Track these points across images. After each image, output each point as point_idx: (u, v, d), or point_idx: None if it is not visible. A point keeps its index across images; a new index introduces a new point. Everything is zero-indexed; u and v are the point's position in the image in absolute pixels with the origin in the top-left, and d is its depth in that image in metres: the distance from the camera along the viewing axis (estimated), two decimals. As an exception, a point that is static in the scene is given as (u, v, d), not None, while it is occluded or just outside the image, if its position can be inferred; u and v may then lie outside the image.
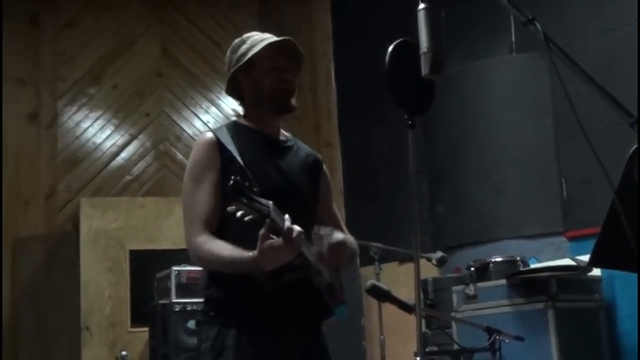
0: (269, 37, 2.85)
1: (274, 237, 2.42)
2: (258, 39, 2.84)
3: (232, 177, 2.31)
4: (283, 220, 2.41)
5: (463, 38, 6.24)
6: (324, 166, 3.05)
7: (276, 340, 2.69)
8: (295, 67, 2.90)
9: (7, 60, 7.45)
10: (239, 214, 2.32)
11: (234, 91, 2.93)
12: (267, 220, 2.36)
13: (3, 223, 7.17)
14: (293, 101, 2.84)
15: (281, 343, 2.70)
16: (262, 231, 2.40)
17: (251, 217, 2.33)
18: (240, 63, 2.82)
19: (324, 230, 2.74)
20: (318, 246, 2.69)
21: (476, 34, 6.21)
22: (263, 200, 2.35)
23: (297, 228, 2.43)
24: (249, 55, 2.80)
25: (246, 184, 2.32)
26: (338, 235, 2.73)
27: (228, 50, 2.91)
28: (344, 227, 3.05)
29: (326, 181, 3.03)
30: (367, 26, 7.21)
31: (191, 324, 5.37)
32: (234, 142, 2.75)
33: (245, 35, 2.90)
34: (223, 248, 2.59)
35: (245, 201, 2.30)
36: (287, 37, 2.83)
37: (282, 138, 2.94)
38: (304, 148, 3.00)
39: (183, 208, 2.76)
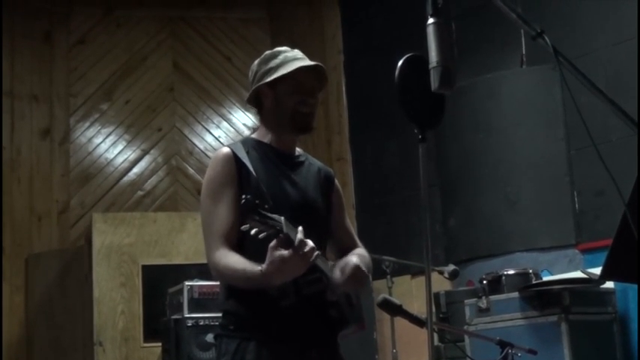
0: (301, 58, 2.85)
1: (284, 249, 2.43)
2: (291, 57, 2.83)
3: (243, 196, 2.34)
4: (296, 233, 2.43)
5: (474, 51, 6.24)
6: (336, 180, 3.06)
7: (297, 353, 2.69)
8: (319, 89, 2.91)
9: (20, 76, 7.52)
10: (253, 232, 2.34)
11: (254, 102, 2.92)
12: (281, 235, 2.38)
13: (17, 239, 7.23)
14: (312, 123, 2.85)
15: (301, 356, 2.70)
16: (272, 243, 2.42)
17: (265, 233, 2.35)
18: (268, 79, 2.81)
19: (338, 266, 2.75)
20: (336, 277, 2.71)
21: (487, 47, 6.21)
22: (275, 216, 2.37)
23: (309, 242, 2.44)
24: (279, 73, 2.79)
25: (257, 201, 2.34)
26: (351, 262, 2.73)
27: (257, 60, 2.90)
28: (357, 240, 3.06)
29: (338, 195, 3.04)
30: (378, 40, 7.22)
31: (209, 337, 5.37)
32: (249, 158, 2.76)
33: (277, 49, 2.90)
34: (238, 262, 2.59)
35: (258, 218, 2.32)
36: (318, 64, 2.84)
37: (294, 153, 2.94)
38: (316, 163, 3.01)
39: (203, 224, 2.76)
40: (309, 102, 2.82)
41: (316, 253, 2.49)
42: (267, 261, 2.44)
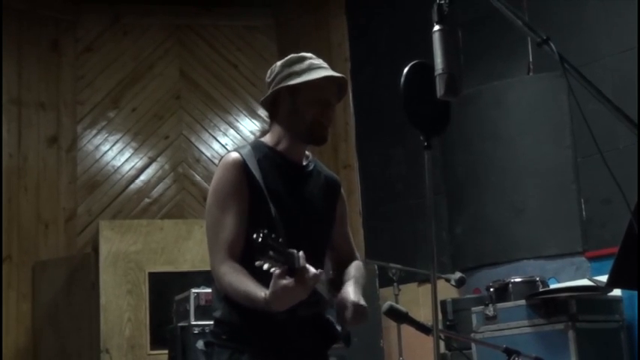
0: (326, 68, 2.77)
1: (287, 277, 2.38)
2: (316, 65, 2.76)
3: (261, 231, 2.25)
4: (299, 260, 2.38)
5: (481, 59, 6.24)
6: (342, 190, 3.03)
7: None
8: (338, 101, 2.86)
9: (27, 84, 7.54)
10: (265, 267, 2.29)
11: (270, 104, 2.84)
12: (295, 269, 2.35)
13: (23, 246, 7.24)
14: (327, 135, 2.79)
15: None
16: (277, 272, 2.35)
17: (278, 269, 2.33)
18: (291, 82, 2.73)
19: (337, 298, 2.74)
20: (340, 313, 2.71)
21: (493, 55, 6.21)
22: (289, 251, 2.33)
23: (312, 270, 2.40)
24: (304, 79, 2.71)
25: (273, 235, 2.28)
26: (350, 300, 2.71)
27: (281, 61, 2.82)
28: (355, 249, 3.05)
29: (342, 205, 3.01)
30: (385, 48, 7.23)
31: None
32: (259, 169, 2.70)
33: (303, 54, 2.81)
34: (242, 282, 2.54)
35: (272, 254, 2.27)
36: (343, 76, 2.77)
37: (303, 162, 2.88)
38: (324, 171, 2.96)
39: (208, 232, 2.71)
40: (328, 114, 2.75)
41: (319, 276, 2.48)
42: (270, 289, 2.40)
